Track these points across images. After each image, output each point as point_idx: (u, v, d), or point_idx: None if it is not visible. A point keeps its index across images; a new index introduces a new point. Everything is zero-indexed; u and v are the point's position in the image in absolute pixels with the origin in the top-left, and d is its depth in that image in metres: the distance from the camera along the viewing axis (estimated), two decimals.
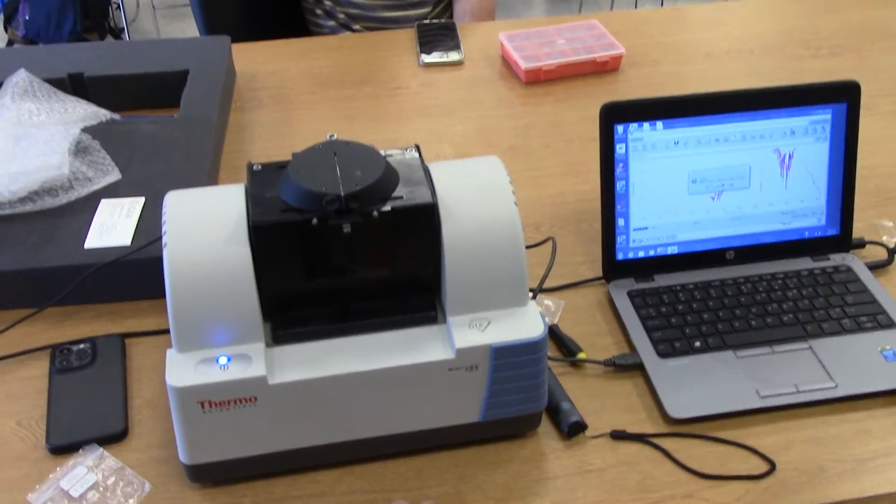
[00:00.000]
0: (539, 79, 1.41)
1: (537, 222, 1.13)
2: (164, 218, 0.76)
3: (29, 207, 1.04)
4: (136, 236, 1.01)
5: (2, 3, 3.19)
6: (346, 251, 0.76)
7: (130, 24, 3.42)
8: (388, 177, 0.77)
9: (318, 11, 1.82)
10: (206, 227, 0.75)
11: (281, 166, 0.79)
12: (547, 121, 1.34)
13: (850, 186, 1.04)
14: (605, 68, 1.44)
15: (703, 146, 1.00)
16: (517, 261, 0.78)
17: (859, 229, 1.09)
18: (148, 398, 0.89)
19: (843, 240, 1.05)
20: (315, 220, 0.73)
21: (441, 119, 1.35)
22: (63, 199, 1.05)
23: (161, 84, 1.33)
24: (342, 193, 0.73)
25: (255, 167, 0.80)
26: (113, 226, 1.02)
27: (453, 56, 1.50)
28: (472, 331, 0.78)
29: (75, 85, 1.32)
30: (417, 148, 0.83)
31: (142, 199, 1.06)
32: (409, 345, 0.78)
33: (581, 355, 0.93)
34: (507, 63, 1.48)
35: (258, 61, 1.50)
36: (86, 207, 1.05)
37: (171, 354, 0.75)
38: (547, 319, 0.96)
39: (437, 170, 0.81)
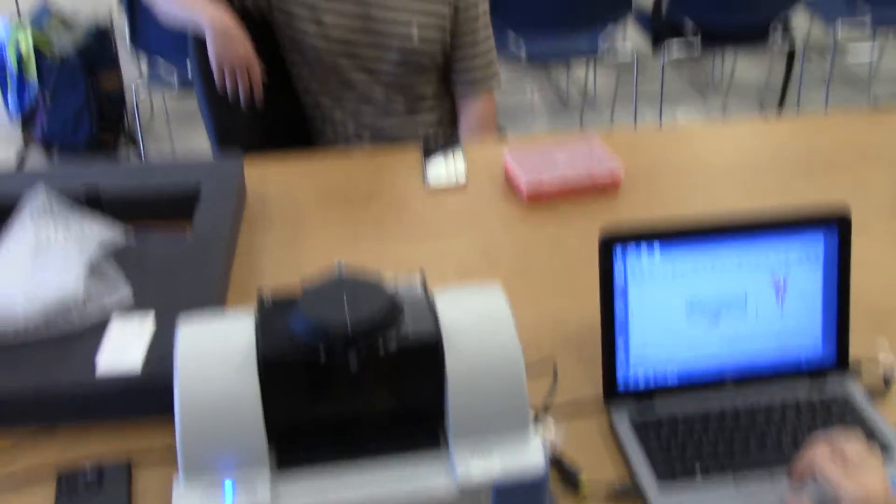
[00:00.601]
0: (541, 198, 1.46)
1: (539, 344, 1.15)
2: (176, 350, 0.79)
3: (42, 332, 1.06)
4: (146, 356, 1.03)
5: (21, 108, 3.30)
6: (353, 384, 0.78)
7: (145, 129, 3.52)
8: (394, 310, 0.80)
9: (328, 128, 1.88)
10: (217, 360, 0.77)
11: (290, 298, 0.82)
12: (549, 241, 1.37)
13: (844, 312, 1.06)
14: (605, 188, 1.48)
15: (699, 273, 1.03)
16: (519, 392, 0.80)
17: (856, 351, 1.11)
18: None
19: (840, 364, 1.07)
20: (322, 355, 0.76)
21: (445, 239, 1.39)
22: (76, 319, 1.08)
23: (174, 201, 1.38)
24: (349, 328, 0.76)
25: (265, 299, 0.83)
26: (124, 345, 1.05)
27: (458, 175, 1.54)
28: (474, 461, 0.79)
29: (91, 201, 1.36)
30: (422, 278, 0.86)
31: (152, 319, 1.09)
32: (412, 473, 0.79)
33: (581, 479, 0.94)
34: (509, 181, 1.52)
35: (269, 178, 1.55)
36: (97, 326, 1.08)
37: (178, 489, 0.76)
38: (547, 444, 0.98)
39: (441, 300, 0.83)
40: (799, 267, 1.05)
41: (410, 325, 0.79)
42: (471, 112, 1.90)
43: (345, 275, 0.83)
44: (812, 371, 1.07)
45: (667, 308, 1.04)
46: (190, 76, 1.82)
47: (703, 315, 1.04)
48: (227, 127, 1.78)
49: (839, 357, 1.07)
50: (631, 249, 1.01)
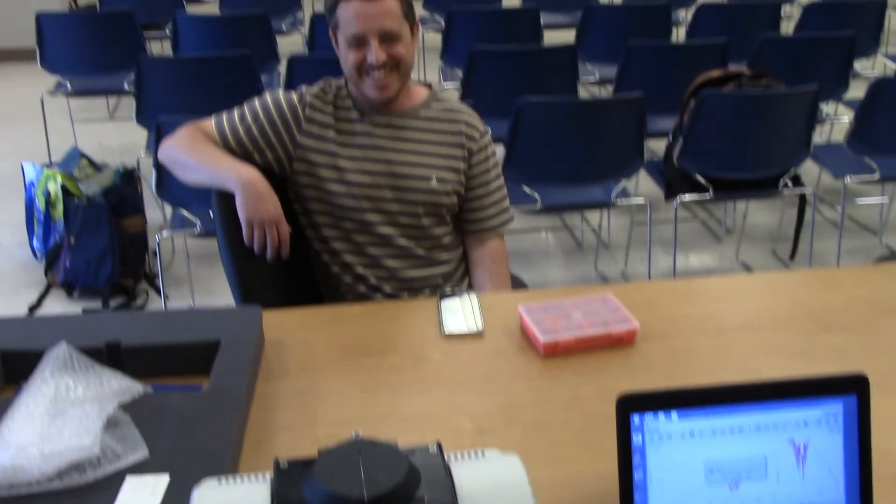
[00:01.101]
0: (557, 352, 1.46)
1: None
2: None
3: (56, 485, 1.06)
4: None
5: (45, 250, 3.37)
6: None
7: (165, 270, 3.57)
8: (410, 478, 0.79)
9: (348, 277, 1.91)
10: None
11: (307, 464, 0.82)
12: (565, 395, 1.37)
13: (867, 478, 1.04)
14: (620, 342, 1.49)
15: (718, 436, 1.03)
16: None
17: None
18: None
19: None
20: None
21: (461, 391, 1.38)
22: (90, 476, 1.08)
23: (194, 354, 1.39)
24: (365, 497, 0.76)
25: (281, 465, 0.82)
26: None
27: (475, 322, 1.56)
28: None
29: (112, 353, 1.37)
30: (439, 446, 0.85)
31: (166, 478, 1.08)
32: None
33: None
34: (525, 334, 1.53)
35: (287, 329, 1.56)
36: (111, 483, 1.08)
37: None
38: None
39: (457, 469, 0.83)
40: (819, 431, 1.04)
41: (427, 495, 0.79)
42: (484, 252, 1.96)
43: (361, 441, 0.83)
44: None
45: (686, 471, 1.02)
46: (212, 221, 1.86)
47: (723, 479, 1.03)
48: (249, 279, 1.81)
49: None
50: (648, 412, 1.01)
